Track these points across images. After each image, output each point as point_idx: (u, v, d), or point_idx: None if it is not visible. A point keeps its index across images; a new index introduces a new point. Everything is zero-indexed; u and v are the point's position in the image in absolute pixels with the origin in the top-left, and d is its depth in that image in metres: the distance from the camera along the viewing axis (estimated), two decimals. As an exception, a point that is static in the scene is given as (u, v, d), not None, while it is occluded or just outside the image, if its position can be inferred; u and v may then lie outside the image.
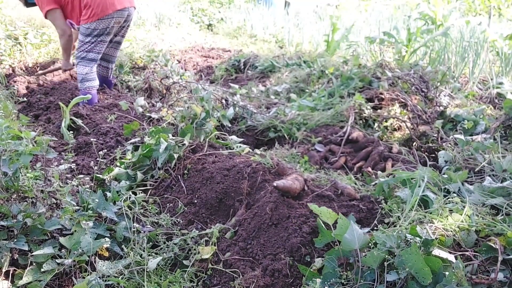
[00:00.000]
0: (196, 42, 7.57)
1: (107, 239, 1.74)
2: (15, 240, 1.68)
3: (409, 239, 1.57)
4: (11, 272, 1.64)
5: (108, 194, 2.09)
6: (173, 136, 2.55)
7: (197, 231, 1.99)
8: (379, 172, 2.70)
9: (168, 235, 2.03)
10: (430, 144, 3.12)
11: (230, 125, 3.51)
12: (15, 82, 4.42)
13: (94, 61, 3.82)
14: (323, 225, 1.79)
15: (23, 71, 4.84)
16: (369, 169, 2.83)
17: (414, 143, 3.17)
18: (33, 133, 2.09)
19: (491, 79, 4.42)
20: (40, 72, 4.71)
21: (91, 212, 1.87)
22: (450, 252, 1.59)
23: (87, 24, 3.69)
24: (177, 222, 2.13)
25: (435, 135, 3.17)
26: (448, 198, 1.99)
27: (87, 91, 3.83)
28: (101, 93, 4.19)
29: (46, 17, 3.83)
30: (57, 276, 1.69)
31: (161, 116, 3.06)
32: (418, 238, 1.57)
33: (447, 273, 1.45)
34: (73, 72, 4.67)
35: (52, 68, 4.70)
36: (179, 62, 6.25)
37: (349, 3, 11.76)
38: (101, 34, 3.74)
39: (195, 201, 2.23)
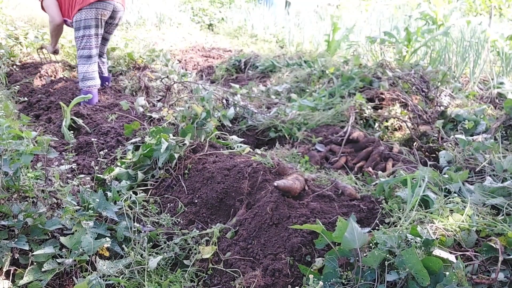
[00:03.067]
0: (196, 42, 7.57)
1: (107, 238, 1.74)
2: (16, 239, 1.68)
3: (409, 239, 1.57)
4: (11, 271, 1.64)
5: (109, 194, 2.09)
6: (173, 136, 2.55)
7: (198, 231, 2.00)
8: (379, 172, 2.70)
9: (168, 235, 2.03)
10: (431, 144, 3.12)
11: (230, 125, 3.51)
12: (16, 81, 4.42)
13: (90, 58, 3.87)
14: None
15: (24, 70, 4.84)
16: (370, 169, 2.83)
17: (415, 143, 3.17)
18: (34, 133, 2.09)
19: (492, 79, 4.42)
20: (43, 45, 4.82)
21: (92, 211, 1.87)
22: (450, 252, 1.59)
23: (74, 17, 3.81)
24: (177, 222, 2.13)
25: (436, 135, 3.17)
26: (449, 198, 1.99)
27: (88, 90, 3.84)
28: (101, 93, 4.20)
29: (42, 6, 4.01)
30: (57, 276, 1.69)
31: (161, 116, 3.06)
32: (418, 238, 1.57)
33: (447, 273, 1.45)
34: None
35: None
36: (180, 62, 6.26)
37: (349, 3, 11.76)
38: (89, 27, 3.79)
39: (196, 201, 2.23)
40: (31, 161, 1.99)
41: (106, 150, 2.85)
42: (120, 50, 5.44)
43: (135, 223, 1.94)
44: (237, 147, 2.69)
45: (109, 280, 1.63)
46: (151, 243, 1.92)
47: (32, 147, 1.95)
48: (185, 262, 1.87)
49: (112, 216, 1.91)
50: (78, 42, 3.88)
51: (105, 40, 4.27)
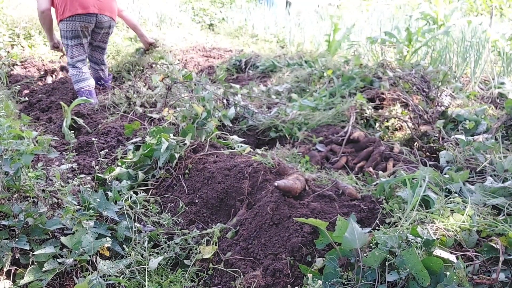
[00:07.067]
0: (197, 42, 7.56)
1: (108, 238, 1.74)
2: (17, 239, 1.68)
3: (410, 239, 1.57)
4: (12, 271, 1.65)
5: (109, 193, 2.09)
6: (174, 135, 2.55)
7: (198, 231, 2.00)
8: (380, 172, 2.70)
9: (169, 235, 2.03)
10: (432, 144, 3.11)
11: (231, 125, 3.51)
12: (16, 81, 4.43)
13: (75, 64, 3.89)
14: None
15: (25, 69, 4.84)
16: (370, 169, 2.82)
17: (416, 143, 3.16)
18: (34, 132, 2.09)
19: (493, 79, 4.41)
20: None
21: (92, 211, 1.87)
22: (451, 252, 1.59)
23: (58, 26, 3.85)
24: (178, 222, 2.13)
25: (437, 135, 3.17)
26: (450, 198, 1.99)
27: (82, 91, 3.86)
28: (102, 93, 4.20)
29: None
30: (58, 276, 1.70)
31: (162, 116, 3.06)
32: (419, 238, 1.57)
33: (448, 273, 1.45)
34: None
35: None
36: (180, 62, 6.26)
37: (350, 2, 11.76)
38: (72, 37, 3.83)
39: (196, 201, 2.23)
40: (32, 161, 1.99)
41: (107, 150, 2.85)
42: (126, 53, 5.44)
43: (136, 223, 1.94)
44: (238, 147, 2.69)
45: (110, 280, 1.63)
46: (151, 243, 1.92)
47: (33, 147, 1.95)
48: (186, 262, 1.87)
49: (112, 216, 1.91)
50: (65, 48, 3.93)
51: (100, 48, 4.24)
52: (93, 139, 2.79)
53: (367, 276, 1.57)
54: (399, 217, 1.93)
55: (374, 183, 2.55)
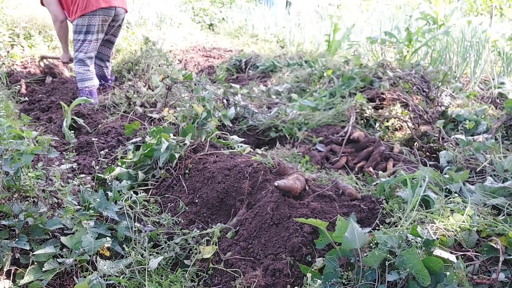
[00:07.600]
0: (197, 41, 7.57)
1: (108, 238, 1.74)
2: (17, 239, 1.68)
3: (410, 239, 1.57)
4: (12, 271, 1.65)
5: (110, 193, 2.09)
6: (174, 135, 2.55)
7: (198, 231, 2.00)
8: (380, 172, 2.70)
9: (169, 235, 2.03)
10: (432, 144, 3.11)
11: (231, 125, 3.51)
12: (16, 81, 4.43)
13: (87, 60, 3.86)
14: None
15: (25, 69, 4.85)
16: (370, 169, 2.82)
17: (416, 143, 3.16)
18: (34, 132, 2.09)
19: (493, 79, 4.42)
20: (43, 55, 4.83)
21: (92, 211, 1.87)
22: (451, 252, 1.59)
23: (75, 21, 3.77)
24: (178, 222, 2.13)
25: (437, 135, 3.17)
26: (450, 198, 1.99)
27: (86, 90, 3.85)
28: (102, 93, 4.20)
29: (42, 2, 3.94)
30: (58, 276, 1.70)
31: (162, 115, 3.06)
32: (419, 238, 1.57)
33: (448, 273, 1.45)
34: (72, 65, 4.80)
35: (55, 56, 4.81)
36: (180, 61, 6.26)
37: (350, 2, 11.76)
38: (89, 32, 3.78)
39: (196, 201, 2.23)
40: (32, 160, 1.99)
41: (107, 150, 2.85)
42: (127, 52, 5.44)
43: (136, 223, 1.94)
44: (238, 147, 2.69)
45: (110, 280, 1.63)
46: (151, 243, 1.92)
47: (33, 146, 1.95)
48: (186, 262, 1.87)
49: (112, 216, 1.91)
50: (76, 44, 3.86)
51: (110, 43, 4.26)
52: (93, 139, 2.79)
53: (367, 276, 1.57)
54: (399, 217, 1.93)
55: (374, 183, 2.55)
